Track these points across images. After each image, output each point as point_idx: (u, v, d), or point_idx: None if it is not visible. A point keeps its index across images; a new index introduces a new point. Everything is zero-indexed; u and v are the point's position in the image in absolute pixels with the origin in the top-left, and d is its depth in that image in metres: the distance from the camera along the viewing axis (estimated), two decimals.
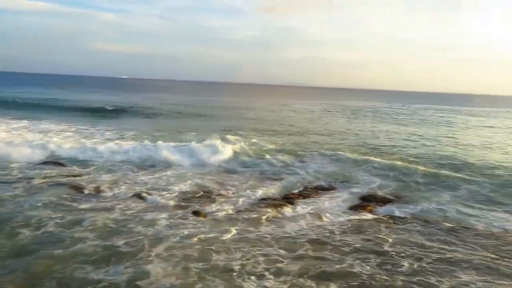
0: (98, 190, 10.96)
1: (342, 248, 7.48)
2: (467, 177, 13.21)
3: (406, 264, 6.91)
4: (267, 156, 15.70)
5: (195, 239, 7.63)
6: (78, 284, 5.91)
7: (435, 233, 8.49)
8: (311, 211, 9.97)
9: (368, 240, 7.97)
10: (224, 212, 9.63)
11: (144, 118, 31.09)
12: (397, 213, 10.06)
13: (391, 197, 11.37)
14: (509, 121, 43.99)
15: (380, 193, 11.71)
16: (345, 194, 11.54)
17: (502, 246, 7.94)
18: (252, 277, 6.23)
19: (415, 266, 6.84)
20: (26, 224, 8.00)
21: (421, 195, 11.55)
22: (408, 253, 7.34)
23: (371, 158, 15.89)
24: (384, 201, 11.06)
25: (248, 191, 11.56)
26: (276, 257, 6.98)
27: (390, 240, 7.98)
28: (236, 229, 8.25)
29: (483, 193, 11.75)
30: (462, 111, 59.32)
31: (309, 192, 11.75)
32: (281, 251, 7.26)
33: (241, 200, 10.80)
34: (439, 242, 7.98)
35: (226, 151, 15.04)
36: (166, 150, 15.32)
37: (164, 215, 8.97)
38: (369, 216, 9.79)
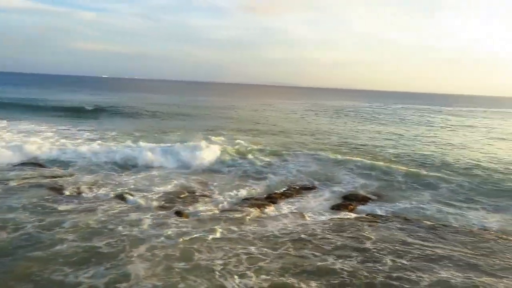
0: (79, 191, 10.79)
1: (324, 246, 7.54)
2: (446, 177, 13.49)
3: (387, 261, 7.00)
4: (250, 156, 15.74)
5: (177, 239, 7.58)
6: (56, 287, 5.80)
7: (416, 231, 8.64)
8: (294, 211, 10.05)
9: (350, 238, 8.05)
10: (207, 212, 9.62)
11: (126, 118, 30.69)
12: (378, 211, 10.23)
13: (373, 196, 11.55)
14: (486, 120, 45.21)
15: (361, 192, 11.88)
16: (328, 194, 11.69)
17: (480, 242, 8.13)
18: (234, 276, 6.22)
19: (396, 263, 6.94)
20: (4, 227, 7.81)
21: (402, 194, 11.77)
22: (389, 250, 7.45)
23: (353, 157, 16.09)
24: (365, 200, 11.23)
25: (231, 191, 11.57)
26: (258, 256, 6.99)
27: (372, 238, 8.08)
28: (218, 229, 8.23)
29: (462, 192, 12.03)
30: (442, 111, 60.63)
31: (292, 191, 11.84)
32: (264, 249, 7.27)
33: (224, 200, 10.82)
34: (419, 240, 8.12)
35: (210, 152, 14.99)
36: (148, 151, 15.17)
37: (146, 216, 8.87)
38: (351, 215, 9.93)
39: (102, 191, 11.02)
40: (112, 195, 10.65)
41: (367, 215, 9.88)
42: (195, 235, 7.82)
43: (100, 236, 7.56)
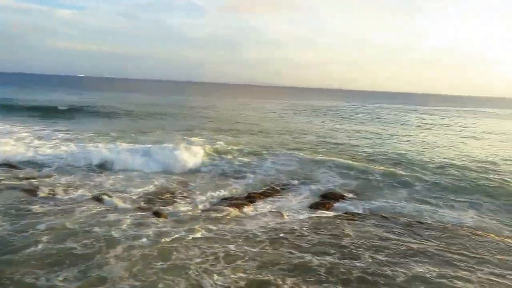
0: (54, 193, 10.55)
1: (302, 244, 7.60)
2: (422, 175, 13.76)
3: (364, 257, 7.11)
4: (229, 156, 15.73)
5: (155, 239, 7.51)
6: None
7: (392, 228, 8.80)
8: (273, 210, 10.09)
9: (328, 235, 8.14)
10: (186, 212, 9.56)
11: (104, 118, 30.02)
12: (356, 209, 10.38)
13: (350, 195, 11.71)
14: (460, 119, 46.57)
15: (339, 191, 12.03)
16: (306, 193, 11.78)
17: (454, 238, 8.33)
18: (211, 275, 6.21)
19: (373, 259, 7.05)
20: None
21: (379, 193, 11.97)
22: (366, 247, 7.56)
23: (331, 157, 16.28)
24: (343, 198, 11.38)
25: (210, 191, 11.54)
26: (236, 254, 7.00)
27: (349, 235, 8.19)
28: (197, 228, 8.18)
29: (437, 190, 12.29)
30: (418, 110, 62.10)
31: (271, 191, 11.89)
32: (241, 248, 7.28)
33: (203, 200, 10.78)
34: (396, 236, 8.27)
35: (189, 152, 14.87)
36: (126, 152, 14.97)
37: (124, 217, 8.75)
38: (329, 213, 10.05)
39: (78, 192, 10.81)
40: (89, 196, 10.46)
41: (345, 213, 10.01)
42: (173, 235, 7.76)
43: (75, 238, 7.40)
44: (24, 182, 11.36)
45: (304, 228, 8.54)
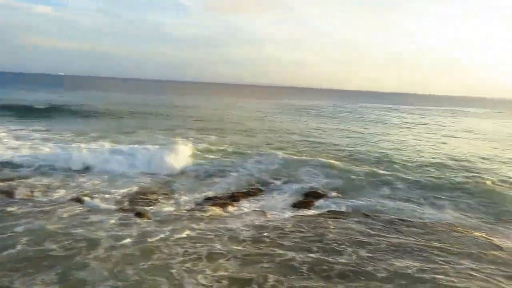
0: (33, 195, 10.32)
1: (284, 243, 7.64)
2: (403, 174, 13.92)
3: (346, 254, 7.19)
4: (213, 156, 15.69)
5: (137, 240, 7.43)
6: None
7: (374, 225, 8.92)
8: (256, 209, 10.11)
9: (310, 233, 8.20)
10: (169, 213, 9.49)
11: (84, 118, 29.31)
12: (338, 208, 10.47)
13: (333, 193, 11.78)
14: (440, 118, 47.60)
15: (322, 189, 12.10)
16: (289, 192, 11.83)
17: (434, 234, 8.53)
18: (194, 274, 6.20)
19: (354, 255, 7.14)
20: None
21: (361, 191, 12.08)
22: (348, 244, 7.65)
23: (314, 156, 16.41)
24: (326, 197, 11.46)
25: (194, 191, 11.50)
26: (218, 253, 6.99)
27: (331, 233, 8.27)
28: (180, 228, 8.14)
29: (417, 188, 12.45)
30: (400, 109, 63.17)
31: (254, 190, 11.90)
32: (224, 247, 7.28)
33: (186, 200, 10.72)
34: (377, 233, 8.39)
35: (172, 152, 14.73)
36: (108, 152, 14.75)
37: (105, 218, 8.62)
38: (312, 211, 10.13)
39: (58, 194, 10.61)
40: (70, 197, 10.27)
41: (327, 211, 10.10)
42: (156, 235, 7.69)
43: (54, 239, 7.24)
44: (1, 183, 11.08)
45: (287, 227, 8.58)
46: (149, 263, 6.51)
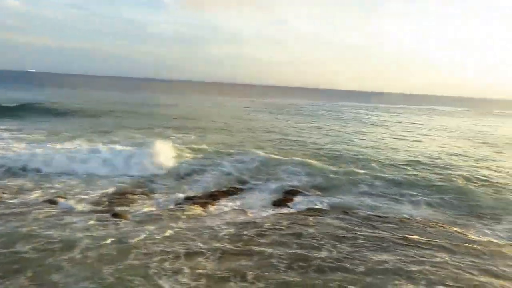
0: (3, 196, 9.97)
1: (264, 240, 7.65)
2: (379, 172, 14.15)
3: (324, 250, 7.25)
4: (193, 155, 15.54)
5: (114, 240, 7.28)
6: None
7: (352, 222, 9.03)
8: (236, 207, 10.09)
9: (290, 231, 8.22)
10: (147, 213, 9.35)
11: (57, 117, 28.11)
12: (317, 205, 10.57)
13: (312, 192, 11.88)
14: (415, 116, 48.77)
15: (302, 188, 12.17)
16: (269, 190, 11.85)
17: (409, 229, 8.70)
18: (171, 273, 6.13)
19: (332, 251, 7.21)
20: None
21: (339, 189, 12.20)
22: (326, 240, 7.71)
23: (293, 155, 16.50)
24: (305, 195, 11.55)
25: (173, 191, 11.39)
26: (196, 252, 6.93)
27: (310, 230, 8.31)
28: (158, 228, 8.03)
29: (394, 186, 12.63)
30: (378, 108, 64.31)
31: (234, 189, 11.86)
32: (202, 246, 7.23)
33: (165, 200, 10.59)
34: (355, 229, 8.49)
35: (151, 151, 14.49)
36: (84, 152, 14.38)
37: (80, 219, 8.40)
38: (292, 209, 10.18)
39: (31, 195, 10.29)
40: (42, 199, 9.97)
41: (307, 209, 10.18)
42: (133, 235, 7.56)
43: (26, 241, 7.00)
44: None
45: (267, 224, 8.59)
46: (126, 263, 6.39)
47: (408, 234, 8.33)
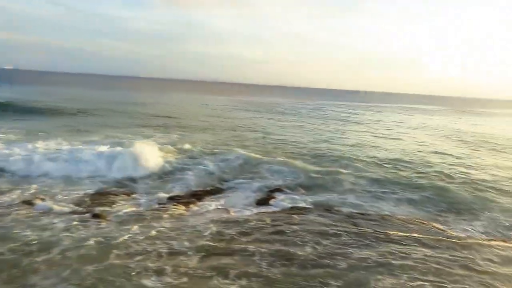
0: None
1: (246, 238, 7.63)
2: (361, 171, 14.28)
3: (306, 247, 7.29)
4: (175, 154, 15.36)
5: (94, 241, 7.15)
6: None
7: (334, 219, 9.08)
8: (219, 207, 10.03)
9: (272, 229, 8.22)
10: (129, 213, 9.18)
11: (34, 115, 26.69)
12: (300, 204, 10.59)
13: (295, 190, 11.89)
14: (396, 115, 49.65)
15: (285, 186, 12.18)
16: (252, 189, 11.80)
17: (391, 226, 8.81)
18: (153, 272, 6.07)
19: (315, 249, 7.25)
20: None
21: (322, 188, 12.25)
22: (309, 238, 7.75)
23: (277, 153, 16.53)
24: (288, 193, 11.56)
25: (155, 191, 11.20)
26: (178, 251, 6.88)
27: (293, 228, 8.33)
28: (139, 228, 7.93)
29: (375, 184, 12.71)
30: (359, 106, 65.12)
31: (217, 188, 11.80)
32: (184, 244, 7.17)
33: (147, 200, 10.43)
34: (338, 227, 8.53)
35: (131, 151, 14.25)
36: (62, 152, 14.02)
37: (58, 220, 8.21)
38: (275, 208, 10.18)
39: (6, 197, 9.95)
40: (19, 201, 9.66)
41: (290, 207, 10.18)
42: (113, 235, 7.44)
43: (1, 243, 6.81)
44: None
45: (250, 223, 8.57)
46: (106, 263, 6.28)
47: (390, 231, 8.44)
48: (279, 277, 6.16)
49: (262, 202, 10.69)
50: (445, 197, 11.62)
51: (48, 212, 8.89)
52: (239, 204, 10.40)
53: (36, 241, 6.97)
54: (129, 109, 35.39)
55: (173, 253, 6.78)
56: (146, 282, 5.80)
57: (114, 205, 9.78)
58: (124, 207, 9.67)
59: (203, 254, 6.83)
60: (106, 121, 26.11)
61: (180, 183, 12.08)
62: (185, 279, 5.93)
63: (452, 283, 6.23)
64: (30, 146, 15.03)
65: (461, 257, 7.21)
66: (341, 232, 8.19)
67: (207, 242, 7.36)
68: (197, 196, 10.91)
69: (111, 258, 6.46)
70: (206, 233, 7.81)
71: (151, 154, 14.42)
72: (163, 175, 12.95)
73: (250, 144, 18.92)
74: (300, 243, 7.50)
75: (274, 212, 9.70)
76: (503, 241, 8.42)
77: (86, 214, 8.82)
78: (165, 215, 8.93)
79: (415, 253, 7.26)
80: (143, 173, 12.99)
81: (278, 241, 7.55)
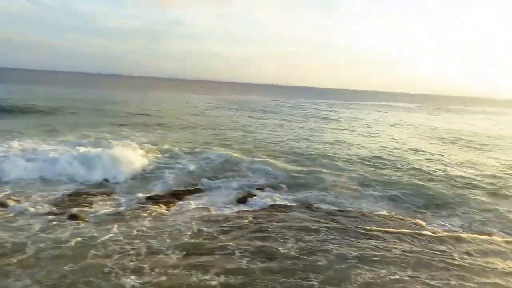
0: None
1: (226, 237, 7.60)
2: (342, 169, 14.41)
3: (287, 244, 7.32)
4: (155, 154, 15.14)
5: (70, 241, 7.01)
6: None
7: (315, 217, 9.13)
8: (200, 205, 9.93)
9: (253, 227, 8.22)
10: (107, 213, 9.01)
11: (5, 115, 25.61)
12: (281, 202, 10.60)
13: (276, 188, 11.87)
14: (376, 112, 50.45)
15: (265, 185, 12.16)
16: (233, 188, 11.73)
17: (370, 222, 8.94)
18: (130, 271, 5.99)
19: (295, 246, 7.28)
20: None
21: (303, 186, 12.27)
22: (290, 235, 7.78)
23: (257, 152, 16.53)
24: (269, 192, 11.55)
25: (135, 191, 11.00)
26: (156, 250, 6.81)
27: (273, 225, 8.35)
28: (118, 228, 7.80)
29: (355, 182, 12.86)
30: (339, 104, 65.82)
31: (197, 188, 11.69)
32: (163, 243, 7.11)
33: (127, 200, 10.24)
34: (318, 224, 8.60)
35: (109, 151, 13.93)
36: (36, 152, 13.62)
37: (34, 221, 8.01)
38: (256, 206, 10.15)
39: None
40: None
41: (271, 205, 10.18)
42: (90, 236, 7.31)
43: None
44: None
45: (230, 221, 8.55)
46: (82, 264, 6.16)
47: (369, 227, 8.56)
48: (258, 273, 6.16)
49: (243, 200, 10.66)
50: (423, 194, 11.84)
51: (23, 213, 8.63)
52: (219, 203, 10.34)
53: (10, 243, 6.76)
54: (108, 107, 34.56)
55: (152, 252, 6.70)
56: (124, 281, 5.71)
57: (92, 206, 9.57)
58: (102, 207, 9.48)
59: (183, 252, 6.77)
60: (83, 120, 25.28)
61: (161, 183, 11.92)
62: (164, 278, 5.87)
63: (430, 276, 6.37)
64: (5, 146, 14.54)
65: (439, 251, 7.38)
66: (322, 229, 8.26)
67: (187, 241, 7.31)
68: (177, 195, 10.78)
69: (88, 258, 6.34)
70: (186, 232, 7.75)
71: (129, 154, 14.16)
72: (143, 175, 12.72)
73: (231, 143, 18.84)
74: (281, 240, 7.52)
75: (255, 210, 9.69)
76: (479, 234, 8.66)
77: (63, 216, 8.59)
78: (145, 215, 8.80)
79: (394, 248, 7.39)
80: (122, 173, 12.69)
81: (258, 238, 7.56)
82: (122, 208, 9.54)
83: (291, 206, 10.19)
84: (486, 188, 12.85)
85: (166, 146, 16.57)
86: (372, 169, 14.84)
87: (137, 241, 7.15)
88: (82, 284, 5.59)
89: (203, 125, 25.91)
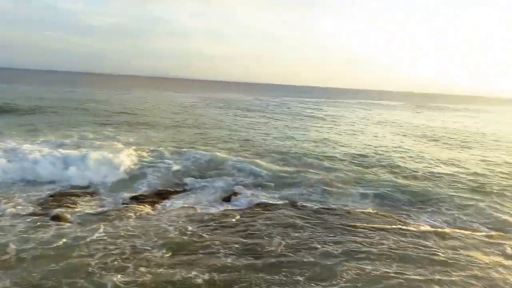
0: None
1: (211, 236, 7.58)
2: (327, 168, 14.45)
3: (273, 242, 7.33)
4: (139, 153, 14.89)
5: (53, 242, 6.90)
6: None
7: (301, 215, 9.17)
8: (185, 205, 9.86)
9: (238, 225, 8.22)
10: (91, 214, 8.86)
11: None
12: (266, 200, 10.60)
13: (262, 187, 11.89)
14: (360, 110, 51.00)
15: (251, 183, 12.13)
16: (218, 187, 11.66)
17: (355, 219, 9.04)
18: (114, 271, 5.93)
19: (281, 243, 7.30)
20: None
21: (288, 184, 12.28)
22: (275, 233, 7.80)
23: (242, 151, 16.48)
24: (255, 190, 11.54)
25: (119, 191, 10.85)
26: (141, 249, 6.76)
27: (259, 224, 8.35)
28: (102, 227, 7.70)
29: (340, 180, 12.89)
30: (323, 103, 66.21)
31: (183, 187, 11.60)
32: (148, 243, 7.05)
33: (111, 200, 10.11)
34: (304, 222, 8.64)
35: (92, 151, 13.69)
36: (17, 153, 13.27)
37: (15, 222, 7.86)
38: (241, 205, 10.14)
39: None
40: None
41: (256, 204, 10.18)
42: (73, 236, 7.20)
43: None
44: None
45: (216, 220, 8.53)
46: (65, 264, 6.06)
47: (355, 224, 8.64)
48: (243, 271, 6.16)
49: (229, 199, 10.63)
50: (408, 191, 11.98)
51: (5, 214, 8.43)
52: (205, 202, 10.30)
53: None
54: (90, 106, 33.82)
55: (137, 251, 6.64)
56: (107, 280, 5.64)
57: (76, 206, 9.42)
58: (86, 208, 9.34)
59: (167, 251, 6.74)
60: (65, 119, 24.66)
61: (145, 183, 11.78)
62: (148, 276, 5.82)
63: (415, 271, 6.46)
64: None
65: (424, 246, 7.50)
66: (308, 226, 8.31)
67: (172, 239, 7.27)
68: (162, 195, 10.70)
69: (71, 258, 6.24)
70: (171, 231, 7.71)
71: (114, 154, 13.94)
72: (128, 175, 12.52)
73: (216, 142, 18.74)
74: (266, 238, 7.54)
75: (240, 209, 9.68)
76: (463, 230, 8.83)
77: (45, 216, 8.42)
78: (130, 214, 8.72)
79: (380, 244, 7.48)
80: (106, 173, 12.49)
81: (244, 236, 7.56)
82: (106, 208, 9.41)
83: (276, 204, 10.20)
84: (469, 184, 13.10)
85: (150, 146, 16.37)
86: (357, 167, 14.97)
87: (121, 240, 7.08)
88: (65, 284, 5.51)
89: (187, 124, 25.69)
